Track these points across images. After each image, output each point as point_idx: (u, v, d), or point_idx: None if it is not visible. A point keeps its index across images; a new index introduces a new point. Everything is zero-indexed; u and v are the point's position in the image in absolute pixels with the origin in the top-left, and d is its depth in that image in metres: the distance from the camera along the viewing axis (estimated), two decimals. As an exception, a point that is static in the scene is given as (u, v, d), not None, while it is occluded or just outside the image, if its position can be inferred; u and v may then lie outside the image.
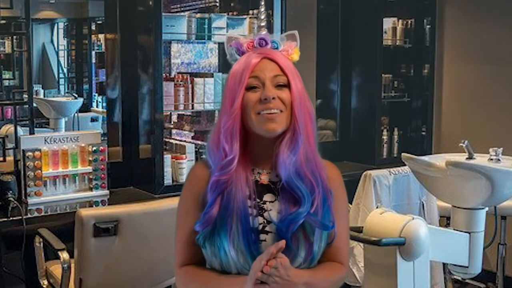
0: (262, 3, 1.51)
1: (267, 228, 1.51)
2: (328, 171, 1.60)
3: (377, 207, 2.94)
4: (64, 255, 2.48)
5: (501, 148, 2.68)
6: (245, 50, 1.58)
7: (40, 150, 2.96)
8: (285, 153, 1.51)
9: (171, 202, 2.48)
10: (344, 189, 1.66)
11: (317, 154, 1.58)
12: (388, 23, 4.20)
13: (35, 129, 3.17)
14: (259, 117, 1.50)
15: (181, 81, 3.31)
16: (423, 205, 3.24)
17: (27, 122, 3.13)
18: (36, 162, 2.94)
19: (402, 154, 2.67)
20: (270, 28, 3.49)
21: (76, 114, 4.22)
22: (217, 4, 3.77)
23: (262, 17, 1.70)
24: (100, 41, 4.34)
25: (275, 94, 1.50)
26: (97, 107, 4.41)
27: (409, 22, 4.31)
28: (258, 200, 1.53)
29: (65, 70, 4.58)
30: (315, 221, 1.51)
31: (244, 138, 1.55)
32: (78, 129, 4.14)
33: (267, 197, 1.55)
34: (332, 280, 1.58)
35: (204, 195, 1.54)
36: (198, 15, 3.36)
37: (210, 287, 1.53)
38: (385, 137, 4.19)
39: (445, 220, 3.30)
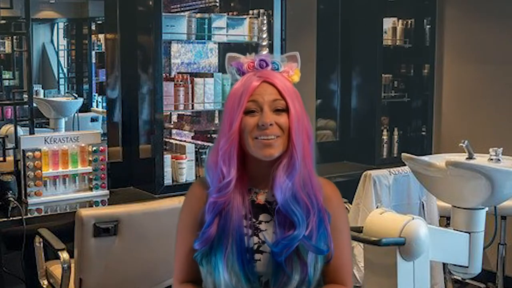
0: (265, 22, 1.50)
1: (261, 248, 1.52)
2: (325, 190, 1.59)
3: (377, 207, 2.94)
4: (64, 255, 2.48)
5: (501, 148, 2.68)
6: (246, 71, 1.57)
7: (40, 150, 2.96)
8: (282, 178, 1.51)
9: (171, 202, 2.49)
10: (344, 207, 1.65)
11: (314, 175, 1.57)
12: (388, 23, 4.20)
13: (35, 129, 3.17)
14: (256, 142, 1.50)
15: (181, 81, 3.31)
16: (423, 205, 3.24)
17: (27, 122, 3.13)
18: (36, 162, 2.94)
19: (402, 154, 2.67)
20: (270, 28, 3.48)
21: (76, 114, 4.21)
22: (217, 4, 3.76)
23: (264, 36, 1.71)
24: (100, 41, 4.33)
25: (273, 120, 1.50)
26: (97, 107, 4.41)
27: (409, 22, 4.32)
28: (254, 220, 1.54)
29: (65, 70, 4.57)
30: (309, 246, 1.50)
31: (242, 159, 1.55)
32: (78, 129, 4.13)
33: (263, 217, 1.55)
34: None
35: (202, 214, 1.55)
36: (198, 15, 3.36)
37: None
38: (385, 137, 4.19)
39: (445, 220, 3.30)
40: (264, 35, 1.70)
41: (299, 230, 1.49)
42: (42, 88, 4.31)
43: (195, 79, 3.33)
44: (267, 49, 1.63)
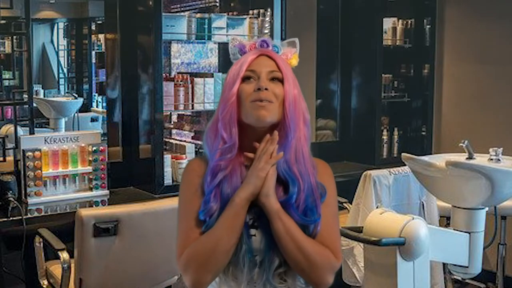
0: (269, 8, 1.54)
1: (256, 223, 1.55)
2: (318, 167, 1.64)
3: (377, 207, 2.93)
4: (64, 255, 2.49)
5: (501, 148, 2.67)
6: (247, 51, 1.64)
7: (40, 150, 2.96)
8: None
9: (171, 202, 2.48)
10: (334, 183, 1.67)
11: (308, 155, 1.61)
12: (388, 23, 4.21)
13: (35, 129, 3.17)
14: (252, 104, 1.55)
15: (181, 81, 3.31)
16: (423, 205, 3.23)
17: (27, 122, 3.13)
18: (36, 162, 2.94)
19: (402, 154, 2.67)
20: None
21: (76, 114, 4.22)
22: (217, 4, 3.76)
23: (267, 25, 1.79)
24: (100, 41, 4.34)
25: (268, 86, 1.56)
26: (97, 107, 4.41)
27: (409, 22, 4.32)
28: None
29: (65, 70, 4.57)
30: (294, 215, 1.54)
31: (240, 131, 1.59)
32: (78, 129, 4.14)
33: None
34: (314, 244, 1.54)
35: (202, 186, 1.57)
36: (198, 15, 3.36)
37: (211, 233, 1.51)
38: (385, 137, 4.19)
39: (445, 220, 3.30)
40: (267, 25, 1.80)
41: (290, 195, 1.54)
42: (42, 88, 4.31)
43: (195, 79, 3.33)
44: (269, 35, 1.72)
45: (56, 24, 4.47)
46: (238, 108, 1.57)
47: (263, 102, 1.54)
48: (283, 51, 1.65)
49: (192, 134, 3.73)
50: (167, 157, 3.23)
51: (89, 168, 3.09)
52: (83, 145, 3.09)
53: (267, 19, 1.62)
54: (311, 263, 1.52)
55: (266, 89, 1.55)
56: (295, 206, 1.55)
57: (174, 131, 3.84)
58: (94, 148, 3.09)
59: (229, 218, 1.51)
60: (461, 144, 2.65)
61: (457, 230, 2.58)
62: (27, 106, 3.10)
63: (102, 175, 3.12)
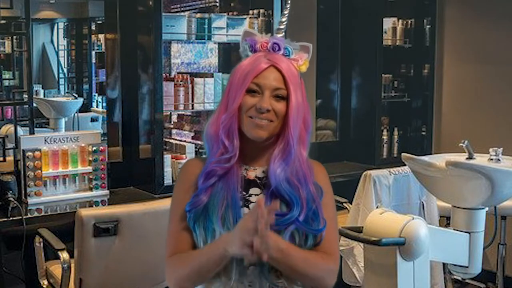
0: (288, 6, 1.52)
1: None
2: (314, 169, 1.64)
3: (377, 207, 2.93)
4: (64, 255, 2.49)
5: (501, 148, 2.67)
6: (258, 49, 1.61)
7: (40, 150, 2.96)
8: (276, 163, 1.57)
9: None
10: (329, 183, 1.68)
11: (305, 159, 1.62)
12: (388, 23, 4.21)
13: (35, 129, 3.17)
14: (250, 121, 1.56)
15: (181, 81, 3.31)
16: (423, 205, 3.23)
17: (27, 122, 3.13)
18: (36, 162, 2.94)
19: (402, 154, 2.67)
20: (269, 28, 3.49)
21: (76, 114, 4.23)
22: (217, 4, 3.77)
23: (283, 19, 1.74)
24: (100, 41, 4.34)
25: (270, 106, 1.55)
26: (97, 107, 4.42)
27: (409, 22, 4.32)
28: (244, 193, 1.59)
29: (65, 70, 4.58)
30: (301, 226, 1.54)
31: (239, 136, 1.59)
32: (78, 129, 4.14)
33: (253, 190, 1.61)
34: (312, 262, 1.55)
35: (196, 182, 1.59)
36: (198, 15, 3.36)
37: (195, 258, 1.54)
38: (385, 137, 4.19)
39: (445, 220, 3.30)
40: (284, 19, 1.74)
41: (292, 212, 1.54)
42: (42, 88, 4.32)
43: (195, 79, 3.33)
44: (283, 32, 1.67)
45: (56, 24, 4.48)
46: (239, 118, 1.58)
47: (262, 121, 1.55)
48: (294, 56, 1.62)
49: (192, 134, 3.73)
50: (167, 157, 3.23)
51: (89, 168, 3.09)
52: (83, 145, 3.09)
53: (285, 17, 1.60)
54: (315, 279, 1.57)
55: (268, 110, 1.54)
56: (300, 215, 1.54)
57: (174, 131, 3.84)
58: (94, 148, 3.09)
59: (215, 259, 1.49)
60: (461, 144, 2.65)
61: (457, 230, 2.58)
62: (27, 106, 3.10)
63: (102, 175, 3.12)
